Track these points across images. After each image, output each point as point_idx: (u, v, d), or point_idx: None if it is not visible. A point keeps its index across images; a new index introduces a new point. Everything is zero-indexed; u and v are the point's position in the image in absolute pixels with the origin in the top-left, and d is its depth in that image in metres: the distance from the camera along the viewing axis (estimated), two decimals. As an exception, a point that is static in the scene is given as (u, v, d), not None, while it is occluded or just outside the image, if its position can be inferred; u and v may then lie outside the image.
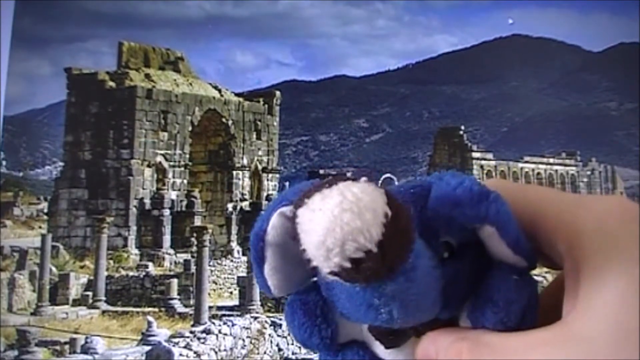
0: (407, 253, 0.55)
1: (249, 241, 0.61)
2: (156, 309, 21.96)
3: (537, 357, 0.55)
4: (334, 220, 0.53)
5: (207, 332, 14.37)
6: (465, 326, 0.61)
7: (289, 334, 17.33)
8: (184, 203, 34.14)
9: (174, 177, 35.32)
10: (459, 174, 0.61)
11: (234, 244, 35.13)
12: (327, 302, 0.62)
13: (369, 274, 0.53)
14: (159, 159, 34.83)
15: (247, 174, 38.84)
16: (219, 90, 39.64)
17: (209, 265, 23.40)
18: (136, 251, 32.04)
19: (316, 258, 0.54)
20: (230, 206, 37.03)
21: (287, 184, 40.09)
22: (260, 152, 39.76)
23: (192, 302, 21.83)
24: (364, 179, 0.56)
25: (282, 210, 0.59)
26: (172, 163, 35.23)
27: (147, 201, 33.49)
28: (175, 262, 30.77)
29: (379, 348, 0.63)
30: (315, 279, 0.63)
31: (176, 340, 13.82)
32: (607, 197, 0.61)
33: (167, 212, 33.05)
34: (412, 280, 0.56)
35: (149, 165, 34.37)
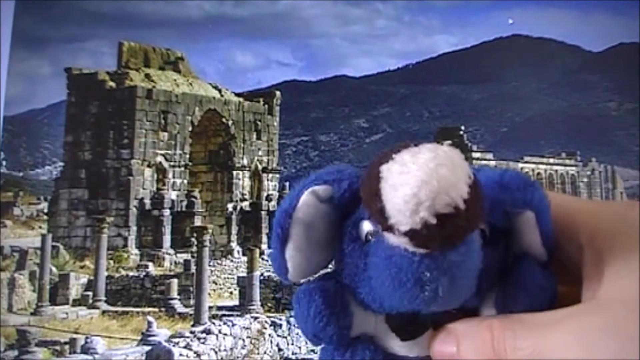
0: (482, 217, 0.56)
1: (275, 219, 0.60)
2: (156, 309, 21.96)
3: (574, 325, 0.56)
4: (430, 173, 0.53)
5: (207, 332, 14.37)
6: (488, 314, 0.61)
7: (289, 334, 17.36)
8: (184, 203, 34.13)
9: (174, 177, 35.32)
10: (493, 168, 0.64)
11: (234, 244, 35.13)
12: (346, 290, 0.61)
13: (450, 232, 0.53)
14: (159, 159, 34.83)
15: (247, 174, 38.84)
16: (219, 90, 39.65)
17: (209, 265, 23.40)
18: (136, 251, 32.04)
19: (400, 213, 0.53)
20: (230, 206, 37.02)
21: (287, 184, 40.12)
22: (260, 152, 39.75)
23: (192, 302, 21.83)
24: (448, 142, 0.62)
25: (314, 189, 0.59)
26: (172, 163, 35.23)
27: (147, 201, 33.49)
28: (175, 262, 30.77)
29: (393, 341, 0.62)
30: (328, 269, 0.62)
31: (176, 340, 13.82)
32: (622, 201, 0.65)
33: (167, 212, 33.05)
34: (471, 252, 0.56)
35: (149, 165, 34.37)
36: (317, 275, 0.62)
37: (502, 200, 0.60)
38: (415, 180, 0.53)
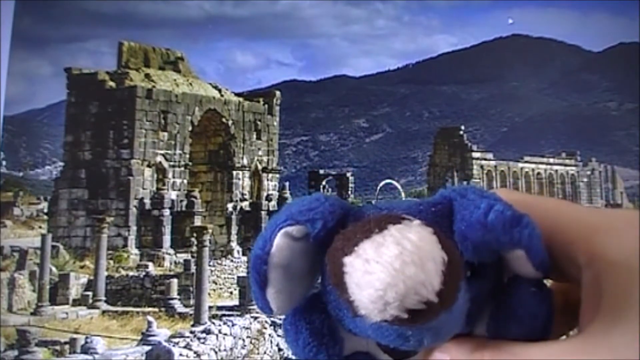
0: (458, 293, 0.53)
1: (250, 262, 0.59)
2: (156, 309, 21.96)
3: None
4: (396, 274, 0.50)
5: (207, 332, 14.37)
6: (480, 335, 0.59)
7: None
8: (184, 203, 34.13)
9: (174, 177, 35.32)
10: (482, 190, 0.60)
11: (234, 244, 35.13)
12: (332, 318, 0.59)
13: (423, 321, 0.52)
14: (159, 159, 34.83)
15: (247, 174, 38.85)
16: (219, 90, 39.65)
17: (209, 265, 23.39)
18: (136, 251, 32.04)
19: (370, 310, 0.51)
20: (230, 206, 37.03)
21: (287, 184, 40.13)
22: (260, 152, 39.75)
23: (192, 302, 21.83)
24: (417, 222, 0.54)
25: (287, 231, 0.57)
26: (172, 163, 35.23)
27: (147, 201, 33.49)
28: (175, 262, 30.77)
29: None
30: (315, 291, 0.61)
31: (176, 340, 13.82)
32: (623, 209, 0.62)
33: (167, 212, 33.04)
34: (452, 313, 0.54)
35: (149, 165, 34.37)
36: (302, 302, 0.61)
37: (487, 242, 0.57)
38: (380, 282, 0.50)
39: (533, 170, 66.92)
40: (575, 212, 0.61)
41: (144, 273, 26.46)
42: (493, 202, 0.57)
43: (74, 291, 24.20)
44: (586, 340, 0.56)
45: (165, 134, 35.16)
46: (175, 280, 23.64)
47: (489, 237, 0.57)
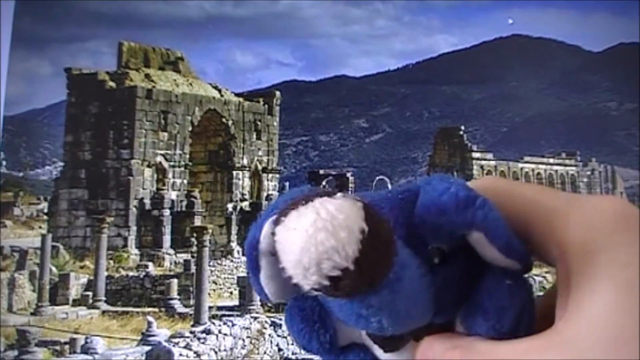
0: (387, 267, 0.54)
1: (245, 250, 0.60)
2: (156, 309, 21.97)
3: None
4: (309, 239, 0.52)
5: (207, 332, 14.38)
6: (460, 332, 0.60)
7: (289, 334, 17.35)
8: (184, 203, 34.14)
9: (174, 177, 35.33)
10: (447, 177, 0.60)
11: (234, 244, 35.14)
12: (324, 307, 0.61)
13: (348, 290, 0.53)
14: (159, 159, 34.84)
15: (247, 174, 38.86)
16: (219, 90, 39.66)
17: (209, 265, 23.40)
18: (136, 251, 32.05)
19: (295, 276, 0.53)
20: (230, 206, 37.03)
21: (287, 184, 40.15)
22: (260, 152, 39.77)
23: (192, 302, 21.84)
24: (339, 194, 0.55)
25: (273, 219, 0.58)
26: (172, 163, 35.24)
27: (147, 201, 33.50)
28: (175, 262, 30.79)
29: (378, 351, 0.62)
30: None
31: (176, 340, 13.83)
32: (601, 197, 0.59)
33: (167, 212, 33.05)
34: (397, 292, 0.55)
35: (149, 165, 34.38)
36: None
37: (443, 224, 0.57)
38: (296, 247, 0.52)
39: (533, 170, 66.90)
40: (552, 201, 0.60)
41: (144, 273, 26.47)
42: (450, 185, 0.58)
43: (74, 291, 24.21)
44: (553, 336, 0.55)
45: (165, 134, 35.18)
46: (175, 281, 23.65)
47: (443, 219, 0.57)
